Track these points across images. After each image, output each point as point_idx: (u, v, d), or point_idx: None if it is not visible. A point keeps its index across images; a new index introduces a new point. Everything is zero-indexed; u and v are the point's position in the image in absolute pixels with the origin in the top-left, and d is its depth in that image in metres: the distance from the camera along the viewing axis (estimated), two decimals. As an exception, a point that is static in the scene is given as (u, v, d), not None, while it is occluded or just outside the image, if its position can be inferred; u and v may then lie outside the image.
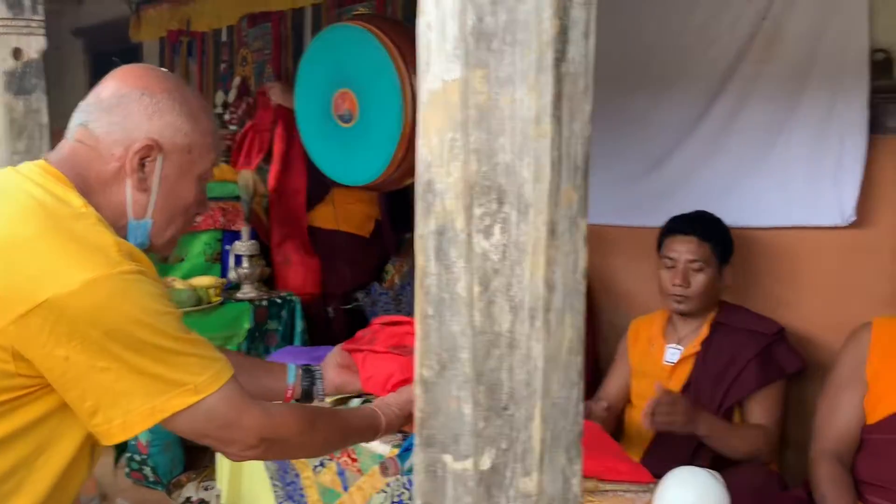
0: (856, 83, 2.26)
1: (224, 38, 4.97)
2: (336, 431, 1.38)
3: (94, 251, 1.11)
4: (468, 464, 0.79)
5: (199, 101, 1.30)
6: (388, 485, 1.85)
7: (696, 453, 2.11)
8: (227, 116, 4.51)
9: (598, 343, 2.96)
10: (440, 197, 0.77)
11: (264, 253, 3.04)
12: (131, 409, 1.10)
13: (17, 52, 1.88)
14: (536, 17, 0.69)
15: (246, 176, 2.85)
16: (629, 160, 2.80)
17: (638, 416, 2.34)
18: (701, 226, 2.26)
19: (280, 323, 2.91)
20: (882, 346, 1.90)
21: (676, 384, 2.24)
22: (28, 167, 1.23)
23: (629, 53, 2.75)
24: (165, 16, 5.26)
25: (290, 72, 4.42)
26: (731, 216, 2.48)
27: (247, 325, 2.81)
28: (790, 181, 2.42)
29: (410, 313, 3.62)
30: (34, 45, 1.87)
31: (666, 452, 2.12)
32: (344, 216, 3.11)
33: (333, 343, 2.99)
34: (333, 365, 1.67)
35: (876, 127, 2.26)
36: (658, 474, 1.82)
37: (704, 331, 2.26)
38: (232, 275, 2.88)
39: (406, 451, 1.77)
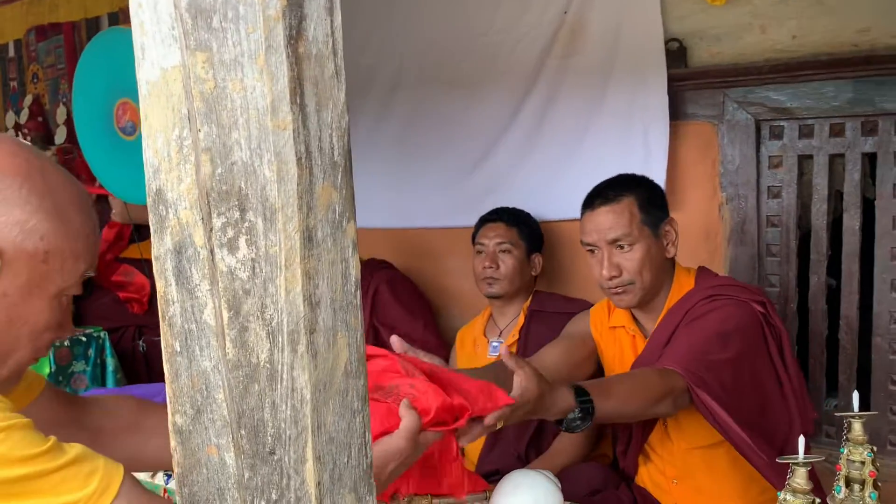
0: (654, 72, 2.33)
1: (11, 53, 4.50)
2: None
3: None
4: (237, 523, 0.66)
5: (71, 192, 0.96)
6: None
7: (528, 451, 2.10)
8: (19, 138, 4.07)
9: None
10: (173, 208, 0.64)
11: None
12: None
13: None
14: (262, -16, 0.58)
15: (119, 204, 2.55)
16: (450, 164, 2.77)
17: None
18: (508, 214, 2.38)
19: (88, 363, 2.61)
20: (599, 329, 1.93)
21: None
22: None
23: (440, 56, 2.73)
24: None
25: (88, 87, 4.07)
26: (550, 211, 2.50)
27: (47, 370, 2.50)
28: (602, 172, 2.45)
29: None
30: None
31: (499, 453, 2.09)
32: (147, 244, 2.87)
33: (152, 381, 2.75)
34: None
35: (676, 114, 2.35)
36: (497, 469, 1.76)
37: (520, 320, 2.32)
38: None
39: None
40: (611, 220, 1.74)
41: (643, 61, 2.36)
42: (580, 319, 2.00)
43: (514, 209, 2.41)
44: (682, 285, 1.81)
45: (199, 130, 0.61)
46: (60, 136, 4.02)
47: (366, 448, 0.70)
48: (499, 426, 1.27)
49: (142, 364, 2.93)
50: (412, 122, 2.84)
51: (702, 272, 1.85)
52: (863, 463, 1.13)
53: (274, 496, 0.64)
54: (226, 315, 0.64)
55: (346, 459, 0.68)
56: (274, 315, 0.63)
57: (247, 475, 0.65)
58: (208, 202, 0.62)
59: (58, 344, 2.59)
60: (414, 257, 2.95)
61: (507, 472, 1.58)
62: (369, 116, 2.91)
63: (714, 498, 1.74)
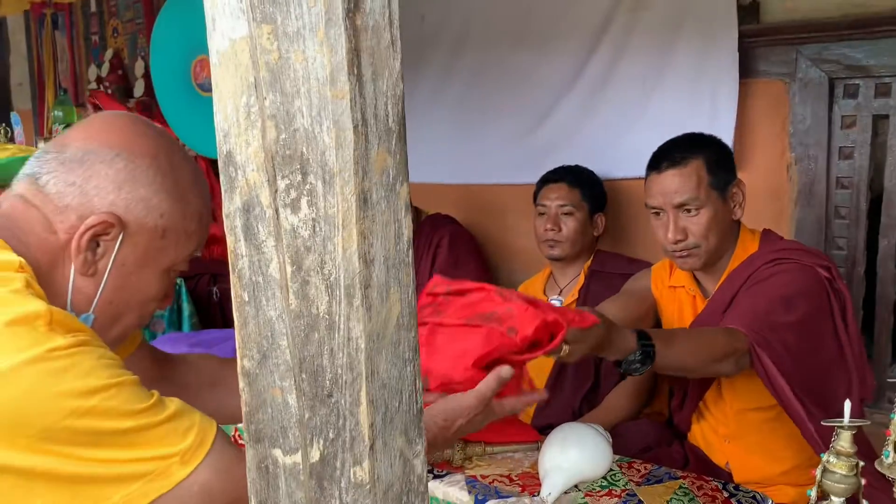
0: (725, 28, 2.28)
1: (93, 8, 4.66)
2: None
3: (14, 327, 0.87)
4: (297, 457, 0.73)
5: (192, 175, 1.04)
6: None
7: (581, 407, 2.15)
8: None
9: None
10: (241, 170, 0.70)
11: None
12: None
13: None
14: (324, -40, 0.62)
15: None
16: (514, 120, 2.78)
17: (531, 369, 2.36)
18: (570, 174, 2.34)
19: (166, 308, 2.77)
20: (659, 287, 1.94)
21: None
22: None
23: (506, 11, 2.72)
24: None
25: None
26: (614, 169, 2.49)
27: (129, 313, 2.66)
28: (668, 130, 2.43)
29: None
30: None
31: (554, 407, 2.14)
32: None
33: (224, 326, 2.89)
34: None
35: (746, 71, 2.29)
36: (551, 423, 1.81)
37: (581, 279, 2.33)
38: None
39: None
40: (678, 183, 1.72)
41: (714, 16, 2.31)
42: (641, 277, 2.02)
43: (576, 168, 2.39)
44: (747, 248, 1.80)
45: (265, 98, 0.66)
46: (139, 90, 4.18)
47: (416, 395, 0.76)
48: (564, 351, 1.31)
49: (217, 309, 3.07)
50: (477, 78, 2.85)
51: (766, 235, 1.83)
52: (846, 475, 1.10)
53: (331, 435, 0.71)
54: (289, 269, 0.69)
55: (397, 404, 0.73)
56: (332, 271, 0.68)
57: (307, 415, 0.71)
58: (273, 165, 0.68)
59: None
60: (477, 213, 2.99)
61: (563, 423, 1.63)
62: (435, 72, 2.93)
63: (766, 459, 1.76)
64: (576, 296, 2.31)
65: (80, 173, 0.97)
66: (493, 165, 2.80)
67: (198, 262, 3.06)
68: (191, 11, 2.01)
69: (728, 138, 2.32)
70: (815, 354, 1.64)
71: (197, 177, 1.05)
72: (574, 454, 1.46)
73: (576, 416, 2.12)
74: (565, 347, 1.30)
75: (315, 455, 0.72)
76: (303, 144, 0.66)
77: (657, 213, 1.78)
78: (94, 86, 4.39)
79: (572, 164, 2.43)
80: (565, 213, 2.31)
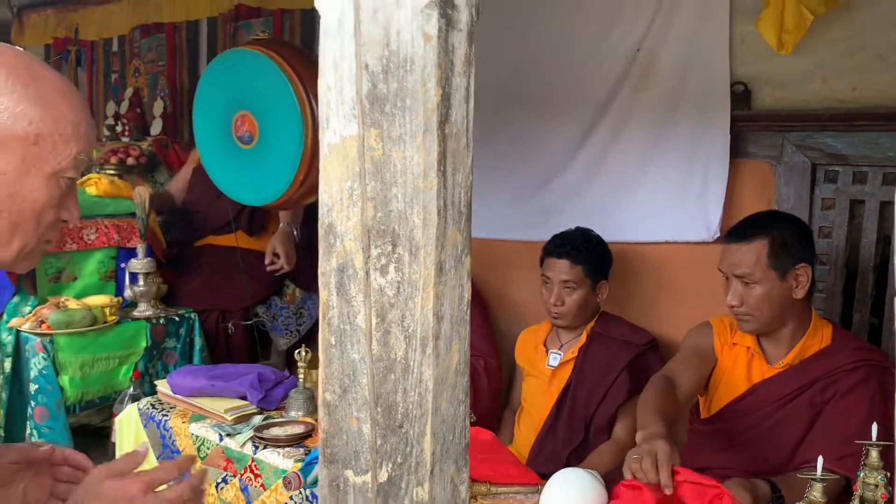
0: (718, 112, 2.49)
1: (115, 48, 4.86)
2: None
3: None
4: (367, 477, 0.88)
5: (56, 83, 1.07)
6: (291, 498, 1.91)
7: (569, 459, 2.29)
8: (118, 128, 4.42)
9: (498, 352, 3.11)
10: (340, 238, 0.86)
11: (160, 270, 3.02)
12: None
13: None
14: (423, 86, 0.80)
15: (142, 192, 2.83)
16: (521, 179, 2.96)
17: (528, 417, 2.52)
18: (574, 250, 2.42)
19: (178, 340, 2.90)
20: (721, 339, 2.10)
21: (558, 386, 2.42)
22: None
23: (522, 79, 2.92)
24: (51, 22, 5.09)
25: (185, 84, 4.39)
26: (611, 232, 2.67)
27: (144, 344, 2.79)
28: (663, 201, 2.64)
29: (315, 327, 3.64)
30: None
31: (545, 457, 2.29)
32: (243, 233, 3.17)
33: (233, 360, 3.02)
34: None
35: (737, 152, 2.50)
36: (542, 472, 1.96)
37: (583, 339, 2.46)
38: (127, 293, 2.85)
39: (308, 466, 1.84)
40: (739, 257, 1.92)
41: (709, 101, 2.52)
42: (704, 333, 2.14)
43: (580, 237, 2.47)
44: (820, 333, 1.98)
45: (367, 184, 0.83)
46: (156, 128, 4.36)
47: (465, 431, 0.91)
48: None
49: (223, 344, 3.20)
50: (490, 137, 3.04)
51: (836, 329, 2.02)
52: (876, 486, 1.30)
53: (399, 460, 0.86)
54: (374, 321, 0.85)
55: (451, 437, 0.89)
56: (411, 324, 0.84)
57: (379, 442, 0.87)
58: (368, 237, 0.84)
59: (154, 322, 2.88)
60: (482, 265, 3.16)
61: (552, 473, 1.79)
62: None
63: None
64: (576, 353, 2.44)
65: None
66: (500, 221, 2.97)
67: (208, 299, 3.20)
68: (235, 72, 2.19)
69: (717, 214, 2.53)
70: None
71: (66, 86, 1.09)
72: (574, 495, 1.61)
73: (563, 466, 2.26)
74: None
75: (384, 476, 0.87)
76: (395, 222, 0.83)
77: (726, 277, 1.98)
78: (111, 122, 4.56)
79: (573, 225, 2.56)
80: (567, 289, 2.41)
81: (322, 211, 0.87)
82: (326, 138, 0.86)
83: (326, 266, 0.88)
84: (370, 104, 0.82)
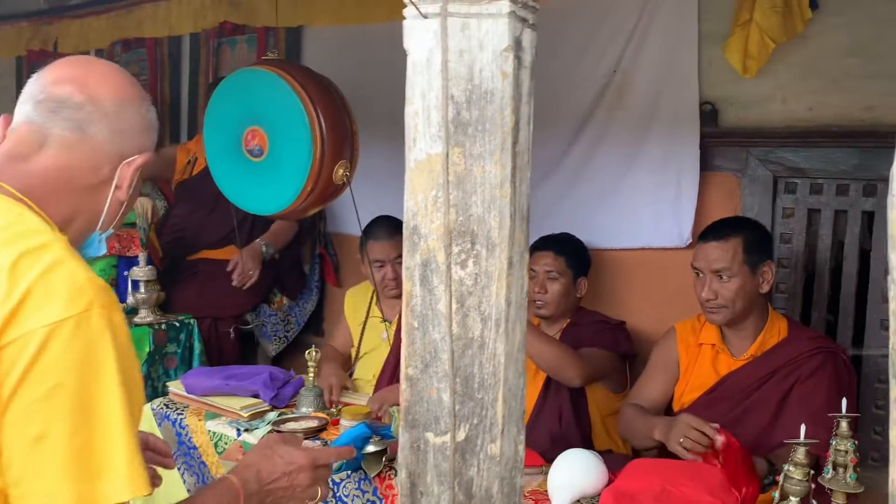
0: (689, 129, 2.73)
1: (93, 60, 4.91)
2: None
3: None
4: (446, 438, 1.05)
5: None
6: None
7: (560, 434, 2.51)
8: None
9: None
10: (424, 238, 1.04)
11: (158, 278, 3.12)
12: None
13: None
14: (500, 113, 0.98)
15: (144, 203, 2.94)
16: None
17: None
18: (557, 243, 2.69)
19: (179, 346, 3.01)
20: (685, 344, 2.34)
21: (543, 375, 2.62)
22: None
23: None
24: (25, 34, 5.10)
25: (167, 98, 4.47)
26: (591, 238, 2.88)
27: (147, 349, 2.89)
28: (638, 209, 2.86)
29: (301, 333, 3.74)
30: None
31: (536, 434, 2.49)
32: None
33: (230, 363, 3.13)
34: None
35: (705, 165, 2.74)
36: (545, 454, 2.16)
37: (559, 335, 2.68)
38: (130, 300, 2.94)
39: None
40: (717, 254, 2.15)
41: (680, 119, 2.75)
42: (666, 344, 2.38)
43: (563, 236, 2.72)
44: (777, 326, 2.23)
45: (451, 193, 1.01)
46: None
47: (523, 398, 1.09)
48: None
49: (215, 349, 3.31)
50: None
51: (791, 321, 2.28)
52: (846, 452, 1.51)
53: (475, 421, 1.03)
54: (454, 306, 1.03)
55: (515, 403, 1.07)
56: (486, 308, 1.02)
57: (457, 407, 1.04)
58: (450, 237, 1.02)
59: (156, 328, 2.98)
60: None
61: (541, 450, 2.03)
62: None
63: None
64: None
65: (122, 121, 1.15)
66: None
67: (202, 307, 3.31)
68: (246, 90, 2.34)
69: (689, 221, 2.76)
70: None
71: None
72: (578, 474, 1.80)
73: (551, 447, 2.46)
74: None
75: (461, 435, 1.04)
76: (475, 225, 1.01)
77: (698, 274, 2.20)
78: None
79: (558, 231, 2.78)
80: (551, 279, 2.63)
81: (407, 216, 1.05)
82: (413, 155, 1.03)
83: (411, 261, 1.05)
84: (455, 127, 1.00)
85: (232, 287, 3.26)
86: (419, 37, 1.00)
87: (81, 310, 0.95)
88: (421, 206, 1.03)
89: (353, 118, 2.34)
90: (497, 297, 1.01)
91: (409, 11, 1.00)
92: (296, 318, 3.73)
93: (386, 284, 2.81)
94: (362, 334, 2.97)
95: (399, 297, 2.76)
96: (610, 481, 1.82)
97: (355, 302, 3.04)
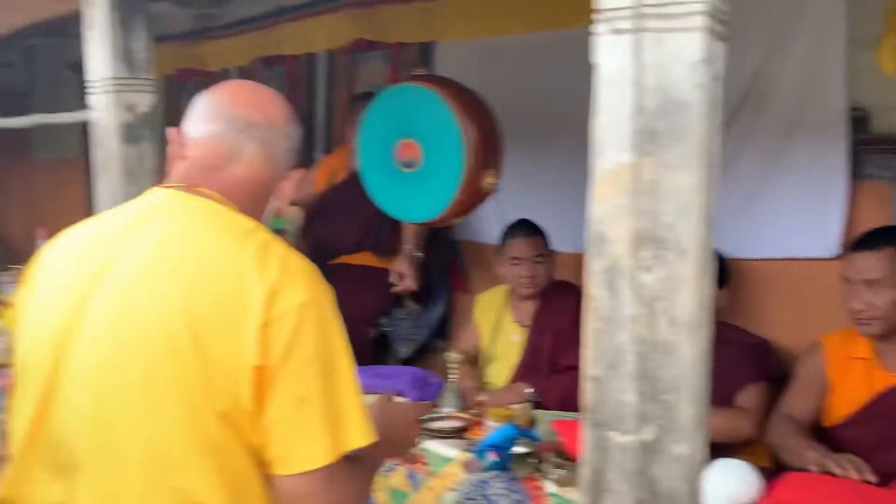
0: (836, 136, 2.65)
1: (235, 78, 5.23)
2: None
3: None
4: (631, 437, 1.09)
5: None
6: (459, 483, 2.12)
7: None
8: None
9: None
10: (609, 243, 1.08)
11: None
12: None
13: (131, 107, 2.14)
14: (694, 124, 1.01)
15: (294, 212, 3.11)
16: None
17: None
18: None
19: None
20: (834, 358, 2.26)
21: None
22: (195, 201, 1.27)
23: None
24: (174, 53, 5.48)
25: (305, 112, 4.70)
26: (734, 248, 2.83)
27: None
28: (783, 218, 2.79)
29: (432, 335, 3.87)
30: (146, 101, 2.15)
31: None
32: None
33: (366, 364, 3.26)
34: None
35: (856, 173, 2.65)
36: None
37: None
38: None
39: (481, 451, 2.05)
40: (870, 264, 2.12)
41: (826, 126, 2.67)
42: (812, 360, 2.32)
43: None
44: None
45: (641, 201, 1.05)
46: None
47: (707, 400, 1.11)
48: None
49: (356, 350, 3.45)
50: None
51: None
52: None
53: (662, 422, 1.06)
54: (640, 310, 1.06)
55: (700, 406, 1.09)
56: (675, 312, 1.05)
57: (642, 409, 1.07)
58: (637, 242, 1.06)
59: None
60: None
61: None
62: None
63: None
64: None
65: (290, 140, 1.36)
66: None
67: (344, 309, 3.46)
68: (400, 105, 2.46)
69: (836, 232, 2.67)
70: None
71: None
72: (733, 483, 1.79)
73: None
74: None
75: (648, 436, 1.08)
76: (663, 230, 1.04)
77: (849, 285, 2.16)
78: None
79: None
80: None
81: (592, 223, 1.09)
82: (601, 164, 1.08)
83: (597, 266, 1.09)
84: (646, 137, 1.03)
85: (369, 291, 3.40)
86: (611, 51, 1.05)
87: (318, 291, 1.20)
88: (607, 213, 1.07)
89: (501, 129, 2.41)
90: (687, 302, 1.04)
91: (601, 28, 1.05)
92: (426, 322, 3.84)
93: (521, 282, 2.93)
94: (494, 338, 3.05)
95: (532, 297, 2.94)
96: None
97: (486, 306, 3.13)
